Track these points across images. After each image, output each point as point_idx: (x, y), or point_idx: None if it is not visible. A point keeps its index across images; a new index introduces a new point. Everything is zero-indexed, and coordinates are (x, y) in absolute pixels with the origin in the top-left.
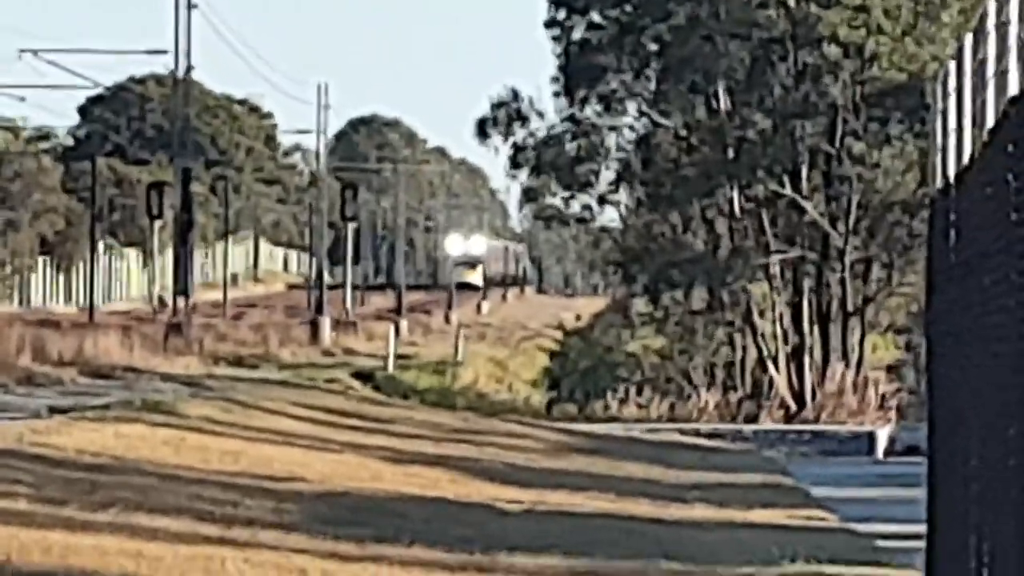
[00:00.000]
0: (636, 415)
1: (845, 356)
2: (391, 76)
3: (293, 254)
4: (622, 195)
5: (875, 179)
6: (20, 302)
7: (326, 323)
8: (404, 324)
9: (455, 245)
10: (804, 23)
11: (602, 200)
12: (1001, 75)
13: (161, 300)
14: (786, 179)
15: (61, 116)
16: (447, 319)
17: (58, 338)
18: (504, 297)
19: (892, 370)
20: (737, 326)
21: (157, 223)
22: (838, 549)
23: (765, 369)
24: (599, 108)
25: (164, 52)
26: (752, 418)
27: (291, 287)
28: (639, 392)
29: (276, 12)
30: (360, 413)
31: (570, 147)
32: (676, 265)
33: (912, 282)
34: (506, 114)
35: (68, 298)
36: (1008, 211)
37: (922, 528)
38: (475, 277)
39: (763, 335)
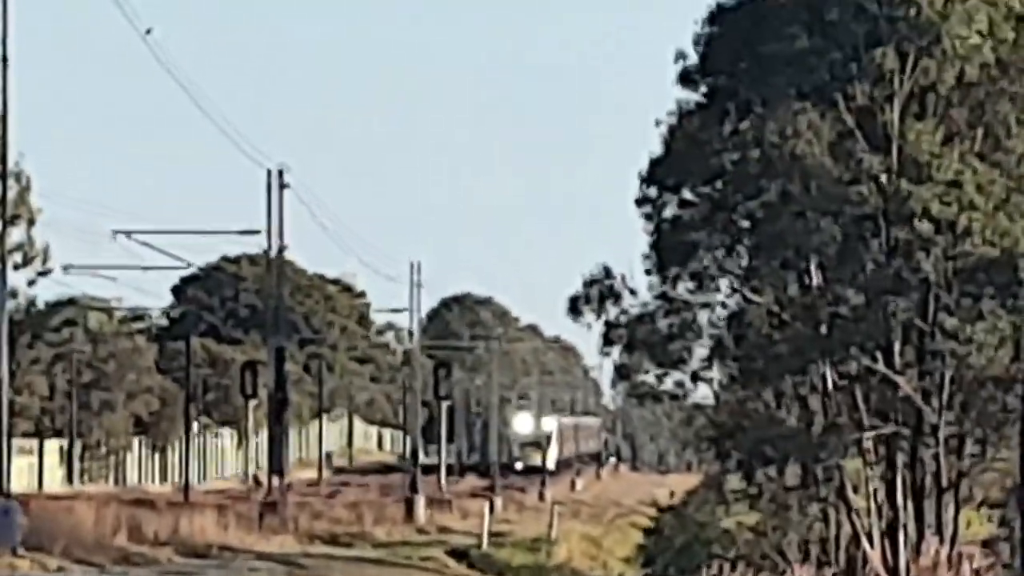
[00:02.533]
0: None
1: (939, 531)
2: (483, 254)
3: (387, 432)
4: (715, 371)
5: (968, 354)
6: (116, 482)
7: (421, 501)
8: (499, 501)
9: (523, 424)
10: (896, 199)
11: (695, 377)
12: None
13: (256, 479)
14: (879, 355)
15: (155, 297)
16: (541, 496)
17: (154, 517)
18: (598, 475)
19: (987, 545)
20: (831, 502)
21: (252, 402)
22: None
23: (859, 545)
24: (691, 285)
25: (257, 232)
26: None
27: (386, 467)
28: (733, 568)
29: (369, 191)
30: None
31: (662, 324)
32: (769, 441)
33: (1006, 457)
34: (598, 292)
35: (163, 477)
36: None
37: None
38: (541, 459)
39: (857, 511)
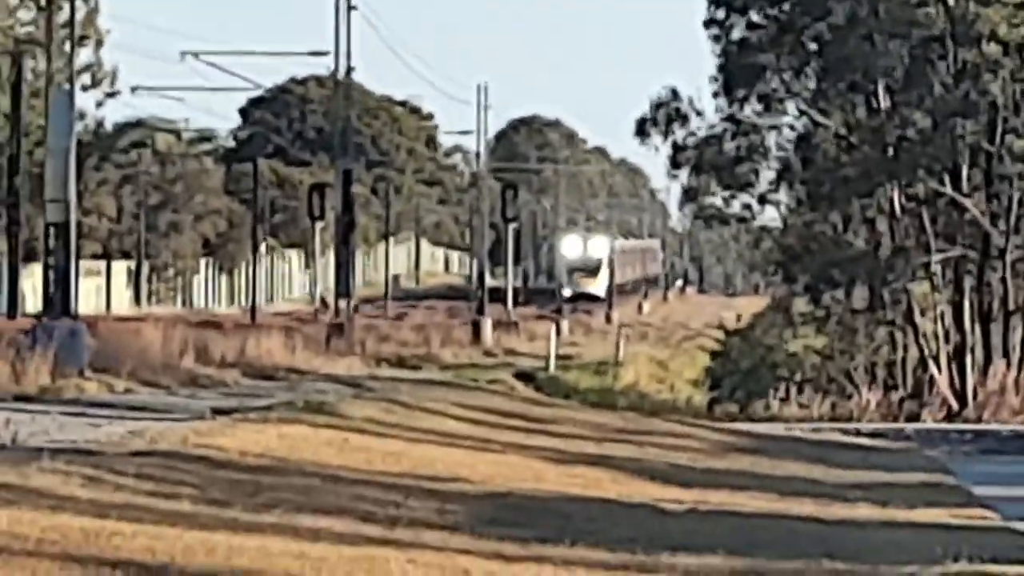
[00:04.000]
0: (797, 414)
1: (1007, 354)
2: (551, 76)
3: (454, 255)
4: (782, 194)
5: None
6: (183, 303)
7: (487, 324)
8: (565, 324)
9: (572, 248)
10: (963, 21)
11: (762, 199)
12: None
13: (323, 301)
14: (946, 178)
15: (222, 118)
16: (608, 319)
17: (221, 339)
18: (665, 297)
19: None
20: (898, 325)
21: (319, 224)
22: (1001, 548)
23: (926, 368)
24: (759, 107)
25: (325, 53)
26: (914, 417)
27: (452, 289)
28: (800, 391)
29: (436, 13)
30: (522, 413)
31: (730, 147)
32: (837, 264)
33: None
34: (666, 114)
35: (231, 299)
36: None
37: None
38: (595, 286)
39: (924, 334)
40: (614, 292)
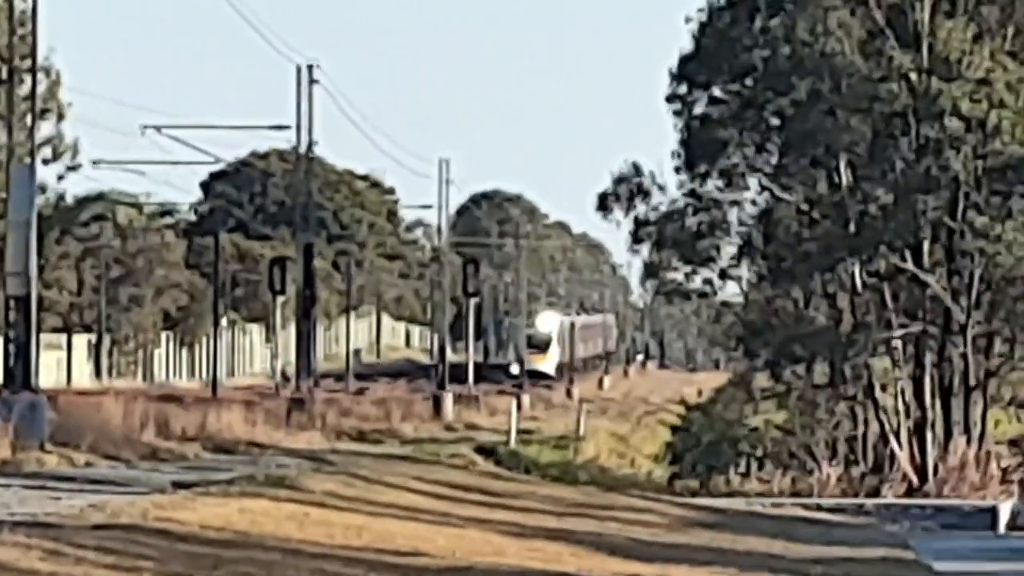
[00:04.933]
0: (758, 489)
1: (967, 430)
2: (513, 151)
3: (416, 329)
4: (744, 270)
5: (997, 253)
6: (144, 377)
7: (448, 398)
8: (526, 399)
9: (547, 324)
10: (926, 97)
11: (724, 275)
12: None
13: (284, 375)
14: (908, 254)
15: (184, 192)
16: (569, 394)
17: (182, 413)
18: (626, 372)
19: (1015, 444)
20: (859, 400)
21: (280, 298)
22: None
23: (887, 443)
24: (720, 183)
25: (286, 127)
26: (874, 492)
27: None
28: (761, 467)
29: (398, 88)
30: (483, 488)
31: (691, 222)
32: (798, 340)
33: None
34: (627, 189)
35: (191, 373)
36: None
37: None
38: (544, 363)
39: (885, 409)
40: (560, 369)
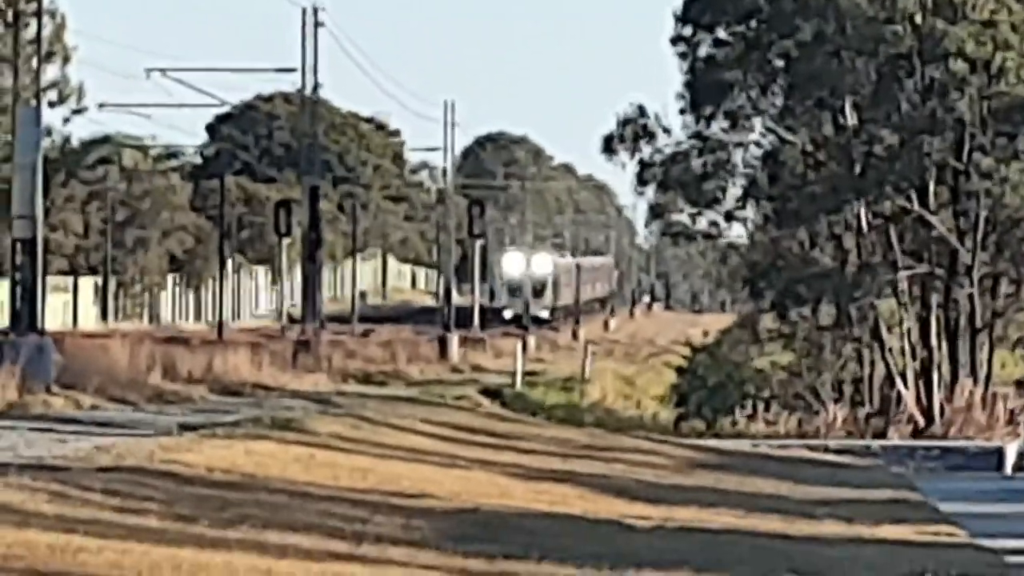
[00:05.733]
0: (764, 431)
1: (973, 371)
2: (518, 93)
3: (421, 271)
4: (749, 211)
5: (1003, 194)
6: (150, 320)
7: (454, 340)
8: (532, 341)
9: (513, 265)
10: (931, 38)
11: (729, 216)
12: None
13: (290, 317)
14: (913, 195)
15: (189, 135)
16: (575, 335)
17: (188, 356)
18: (631, 314)
19: (1021, 385)
20: (865, 342)
21: (285, 241)
22: (967, 564)
23: (893, 385)
24: (725, 124)
25: (292, 70)
26: (880, 434)
27: (423, 309)
28: (767, 408)
29: (403, 30)
30: (488, 430)
31: (696, 163)
32: (803, 281)
33: None
34: (632, 131)
35: (197, 316)
36: None
37: None
38: (534, 306)
39: (891, 351)
40: (554, 313)
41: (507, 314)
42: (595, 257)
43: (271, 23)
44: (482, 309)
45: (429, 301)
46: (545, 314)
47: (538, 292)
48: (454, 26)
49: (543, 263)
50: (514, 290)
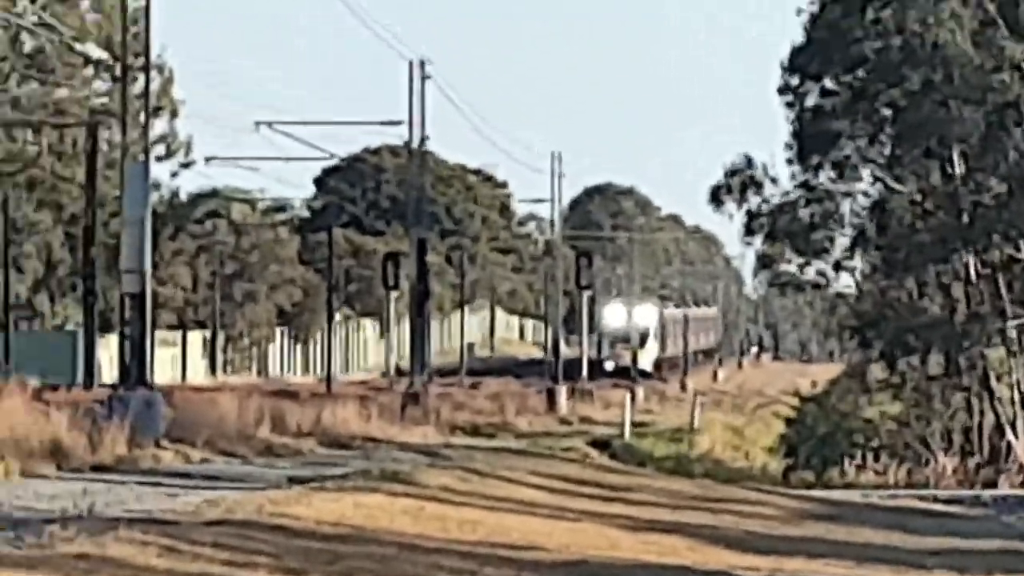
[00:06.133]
0: (873, 481)
1: None
2: (625, 144)
3: (529, 323)
4: (857, 261)
5: None
6: (258, 373)
7: (562, 392)
8: (640, 392)
9: (614, 317)
10: None
11: (837, 266)
12: None
13: (398, 370)
14: (1022, 243)
15: (297, 188)
16: (683, 386)
17: (296, 408)
18: (740, 364)
19: None
20: (974, 391)
21: (393, 293)
22: None
23: (1003, 434)
24: (833, 174)
25: (399, 123)
26: (990, 483)
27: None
28: (876, 458)
29: (510, 82)
30: (597, 481)
31: (804, 213)
32: (912, 331)
33: None
34: (740, 181)
35: (306, 369)
36: None
37: None
38: (641, 358)
39: (1000, 400)
40: (659, 365)
41: (608, 366)
42: (701, 308)
43: (378, 76)
44: (589, 361)
45: (537, 353)
46: (648, 366)
47: (640, 343)
48: (560, 77)
49: (645, 314)
50: (614, 342)
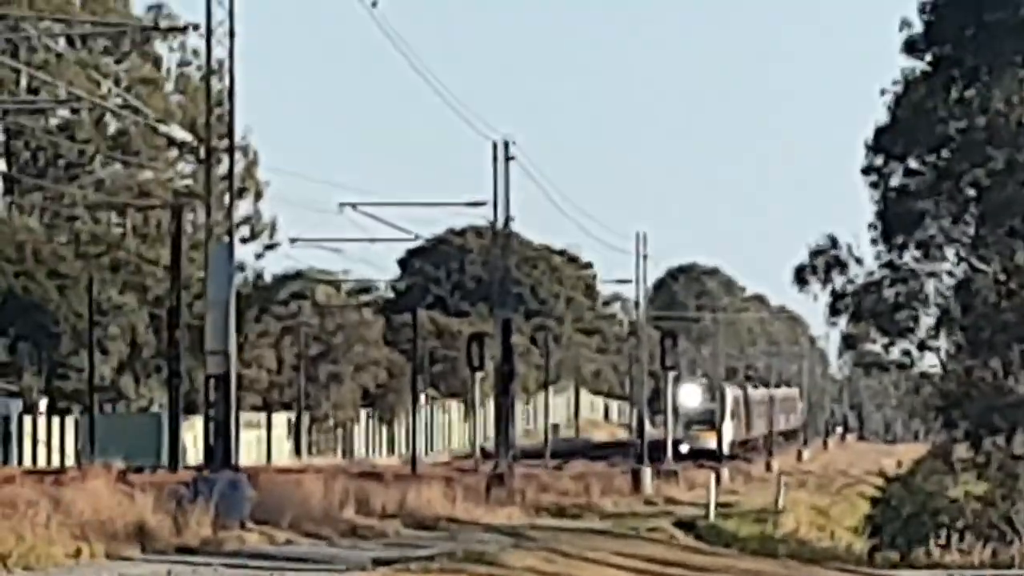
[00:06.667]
0: (958, 561)
1: None
2: (709, 225)
3: (614, 404)
4: (942, 340)
5: None
6: (343, 454)
7: (647, 472)
8: (725, 472)
9: (689, 398)
10: None
11: (922, 346)
12: None
13: (483, 451)
14: None
15: (381, 269)
16: (768, 467)
17: (381, 490)
18: (825, 444)
19: None
20: None
21: (478, 374)
22: None
23: None
24: (918, 254)
25: (483, 204)
26: None
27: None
28: (961, 538)
29: (594, 162)
30: (683, 562)
31: (889, 293)
32: (997, 410)
33: None
34: (824, 261)
35: (391, 450)
36: None
37: None
38: (711, 440)
39: None
40: (736, 447)
41: (683, 448)
42: (783, 388)
43: (462, 157)
44: (675, 441)
45: (621, 434)
46: (724, 447)
47: (710, 425)
48: (644, 157)
49: (693, 394)
50: (689, 423)
